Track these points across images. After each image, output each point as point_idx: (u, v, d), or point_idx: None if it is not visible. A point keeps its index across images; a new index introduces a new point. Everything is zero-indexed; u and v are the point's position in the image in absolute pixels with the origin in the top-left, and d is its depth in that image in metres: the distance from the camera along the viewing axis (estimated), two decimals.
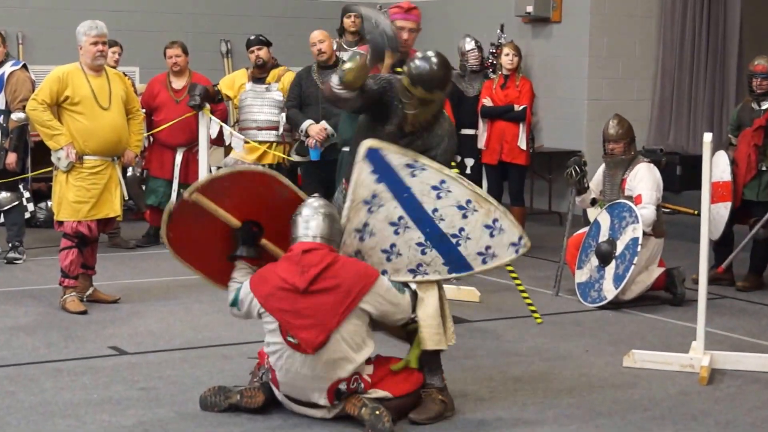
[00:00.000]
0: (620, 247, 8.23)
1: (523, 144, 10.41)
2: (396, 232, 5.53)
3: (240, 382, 6.15)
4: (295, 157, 9.57)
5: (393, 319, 5.53)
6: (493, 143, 10.45)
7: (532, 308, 6.79)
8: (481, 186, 10.27)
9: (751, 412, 5.87)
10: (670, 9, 12.43)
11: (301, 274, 5.35)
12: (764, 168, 8.77)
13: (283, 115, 9.60)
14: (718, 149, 8.96)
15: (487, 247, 5.50)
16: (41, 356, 6.73)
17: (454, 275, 5.61)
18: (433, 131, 5.70)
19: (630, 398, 6.07)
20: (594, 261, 8.40)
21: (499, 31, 12.24)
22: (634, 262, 8.08)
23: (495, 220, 5.46)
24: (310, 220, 5.49)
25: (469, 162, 10.50)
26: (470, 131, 10.43)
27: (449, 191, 5.48)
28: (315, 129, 9.12)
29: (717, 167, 8.61)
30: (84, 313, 7.74)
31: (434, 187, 5.49)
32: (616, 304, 8.18)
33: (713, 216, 8.58)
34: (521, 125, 10.40)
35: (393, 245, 5.54)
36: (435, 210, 5.50)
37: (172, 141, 10.57)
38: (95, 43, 7.80)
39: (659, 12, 12.55)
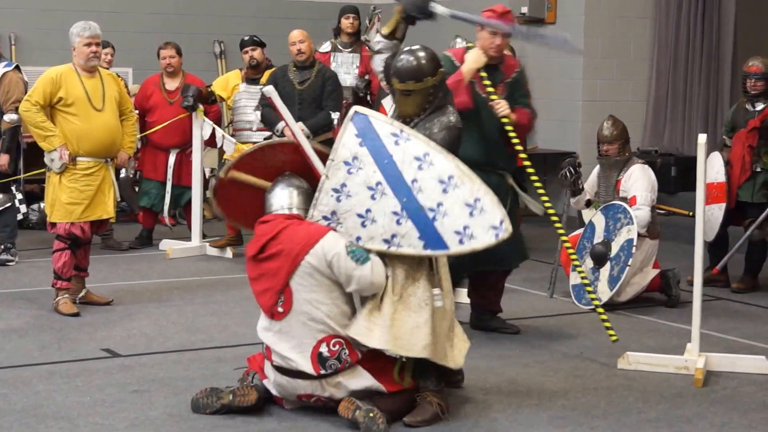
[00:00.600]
0: (615, 248, 8.22)
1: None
2: (372, 197, 5.44)
3: (234, 384, 6.12)
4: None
5: (347, 287, 5.45)
6: None
7: (608, 324, 6.79)
8: None
9: (746, 415, 5.86)
10: (665, 10, 12.43)
11: (254, 243, 5.66)
12: (759, 169, 8.77)
13: (258, 113, 9.55)
14: (713, 150, 8.95)
15: (465, 227, 5.29)
16: (34, 358, 6.70)
17: (429, 252, 5.39)
18: (430, 123, 5.74)
19: (625, 400, 6.05)
20: (588, 263, 8.39)
21: None
22: (629, 263, 8.07)
23: (476, 200, 5.29)
24: (273, 193, 5.73)
25: None
26: None
27: (432, 164, 5.37)
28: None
29: (712, 168, 8.60)
30: (76, 315, 7.72)
31: (417, 158, 5.39)
32: (610, 306, 8.15)
33: (708, 217, 8.57)
34: None
35: (368, 210, 5.45)
36: (414, 180, 5.38)
37: (165, 142, 10.55)
38: (89, 44, 7.78)
39: (654, 13, 12.55)
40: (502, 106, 6.97)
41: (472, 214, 5.30)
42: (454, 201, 5.33)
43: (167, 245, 10.37)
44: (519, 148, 7.06)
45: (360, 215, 5.47)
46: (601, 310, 6.76)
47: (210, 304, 8.27)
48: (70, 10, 12.37)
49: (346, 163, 5.50)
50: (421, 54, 5.81)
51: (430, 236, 5.37)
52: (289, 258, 5.47)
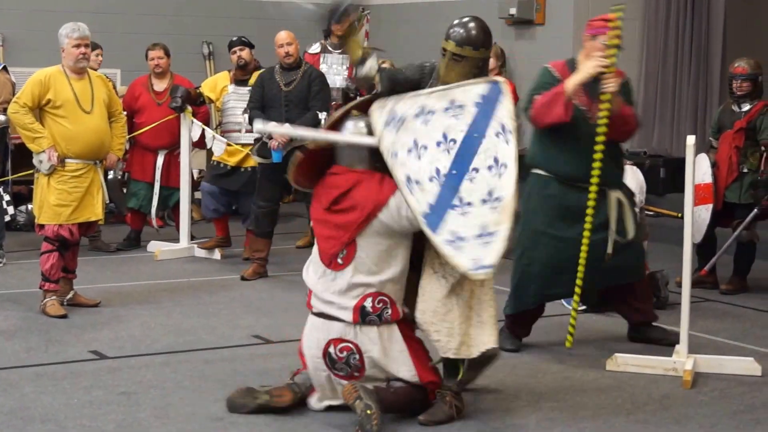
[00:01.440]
0: None
1: None
2: (438, 144, 5.46)
3: (222, 386, 6.13)
4: (256, 159, 9.50)
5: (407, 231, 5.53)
6: None
7: (571, 330, 6.70)
8: None
9: (734, 416, 5.86)
10: (654, 11, 12.43)
11: (326, 194, 5.67)
12: (745, 170, 8.79)
13: (246, 116, 9.54)
14: (701, 152, 8.95)
15: (461, 239, 5.28)
16: (21, 360, 6.68)
17: (422, 221, 5.34)
18: None
19: (613, 402, 6.05)
20: None
21: None
22: None
23: (490, 233, 5.27)
24: (342, 146, 5.71)
25: None
26: None
27: (497, 175, 5.35)
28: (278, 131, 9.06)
29: (699, 169, 8.60)
30: (64, 317, 7.69)
31: (495, 159, 5.37)
32: (600, 308, 8.14)
33: (695, 219, 8.58)
34: None
35: (425, 147, 5.45)
36: (475, 169, 5.39)
37: (153, 143, 10.53)
38: (78, 46, 7.75)
39: (643, 14, 12.55)
40: (611, 82, 6.58)
41: (479, 236, 5.29)
42: (479, 215, 5.31)
43: (155, 247, 10.35)
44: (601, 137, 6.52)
45: (415, 143, 5.47)
46: (574, 314, 6.67)
47: (198, 305, 8.25)
48: (59, 11, 12.33)
49: (455, 104, 5.51)
50: (481, 24, 5.90)
51: (436, 214, 5.35)
52: (362, 215, 5.51)
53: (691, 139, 6.49)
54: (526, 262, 6.95)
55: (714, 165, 8.79)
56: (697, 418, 5.82)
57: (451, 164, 5.42)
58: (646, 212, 8.63)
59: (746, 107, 8.90)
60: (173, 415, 5.68)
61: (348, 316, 5.56)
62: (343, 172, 5.66)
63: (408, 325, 5.69)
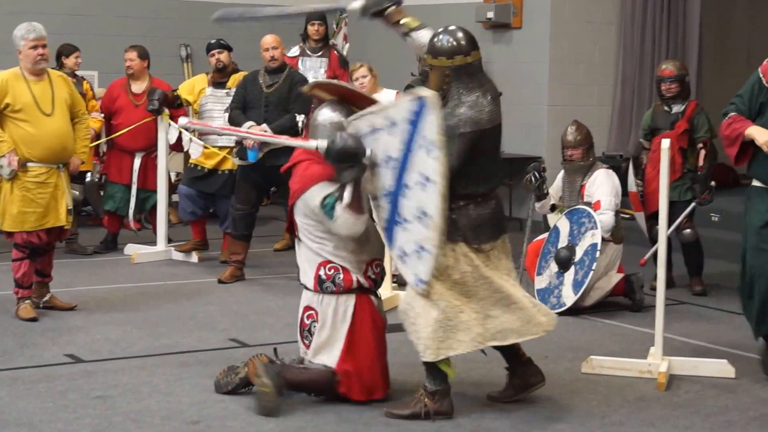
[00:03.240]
0: (579, 253, 8.25)
1: None
2: (385, 161, 5.64)
3: (199, 390, 6.13)
4: (235, 161, 9.51)
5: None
6: None
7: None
8: None
9: (708, 418, 5.89)
10: (630, 15, 12.47)
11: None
12: (686, 170, 8.90)
13: (227, 116, 9.54)
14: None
15: (404, 253, 5.59)
16: None
17: (384, 236, 5.74)
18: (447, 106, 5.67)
19: (588, 404, 6.08)
20: (553, 267, 8.41)
21: None
22: (593, 268, 8.10)
23: (423, 249, 5.48)
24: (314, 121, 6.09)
25: None
26: None
27: (426, 191, 5.43)
28: (255, 130, 9.06)
29: (630, 177, 8.77)
30: (34, 320, 7.66)
31: (422, 175, 5.43)
32: (575, 310, 8.18)
33: (640, 223, 8.74)
34: None
35: (378, 164, 5.68)
36: (407, 185, 5.52)
37: (130, 146, 10.51)
38: (35, 47, 7.63)
39: (619, 18, 12.59)
40: None
41: (416, 251, 5.53)
42: (415, 231, 5.51)
43: (132, 250, 10.33)
44: None
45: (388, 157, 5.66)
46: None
47: (175, 309, 8.23)
48: (35, 12, 12.26)
49: (391, 121, 5.60)
50: (449, 33, 5.90)
51: (389, 230, 5.67)
52: (291, 196, 5.94)
53: (666, 143, 6.53)
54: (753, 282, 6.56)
55: (643, 169, 8.87)
56: (672, 420, 5.84)
57: (394, 182, 5.60)
58: (622, 215, 8.66)
59: (677, 108, 9.00)
60: (149, 419, 5.68)
61: (311, 283, 5.90)
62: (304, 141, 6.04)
63: (370, 308, 5.87)
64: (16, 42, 7.70)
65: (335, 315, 5.86)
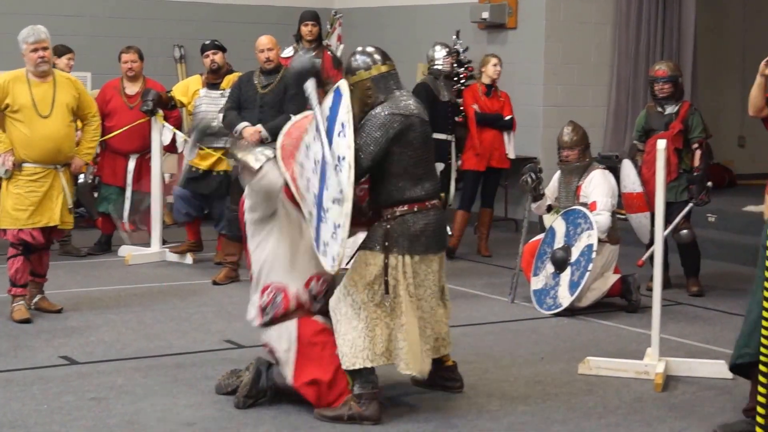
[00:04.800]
0: (575, 253, 8.23)
1: (511, 153, 10.84)
2: (313, 170, 5.67)
3: (193, 391, 6.11)
4: (231, 162, 9.49)
5: (261, 199, 5.88)
6: (483, 151, 10.59)
7: None
8: (448, 191, 10.35)
9: (705, 419, 5.87)
10: (625, 16, 12.47)
11: None
12: (682, 170, 8.89)
13: (221, 116, 9.53)
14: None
15: (325, 244, 5.55)
16: None
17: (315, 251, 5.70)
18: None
19: (585, 405, 6.06)
20: (549, 268, 8.40)
21: (454, 37, 12.23)
22: (589, 268, 8.08)
23: (337, 227, 5.43)
24: None
25: (439, 167, 10.43)
26: (441, 136, 10.38)
27: (340, 170, 5.43)
28: (249, 131, 9.03)
29: (628, 178, 8.73)
30: (28, 321, 7.64)
31: (336, 164, 5.46)
32: (571, 311, 8.17)
33: (636, 225, 8.71)
34: (506, 134, 10.78)
35: (308, 179, 5.72)
36: (328, 176, 5.51)
37: (124, 147, 10.48)
38: (35, 50, 7.68)
39: (614, 19, 12.59)
40: None
41: (332, 234, 5.48)
42: (331, 215, 5.49)
43: (126, 251, 10.30)
44: None
45: (307, 179, 5.74)
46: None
47: (169, 310, 8.21)
48: (27, 13, 12.24)
49: (315, 126, 5.63)
50: (362, 51, 5.95)
51: (317, 235, 5.64)
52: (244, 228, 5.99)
53: (662, 144, 6.52)
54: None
55: (640, 170, 8.85)
56: (669, 421, 5.83)
57: (319, 183, 5.60)
58: (618, 216, 8.65)
59: (671, 109, 9.00)
60: (144, 421, 5.66)
61: (255, 314, 5.94)
62: None
63: (311, 325, 5.82)
64: (20, 45, 7.77)
65: (281, 340, 5.84)
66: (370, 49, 5.94)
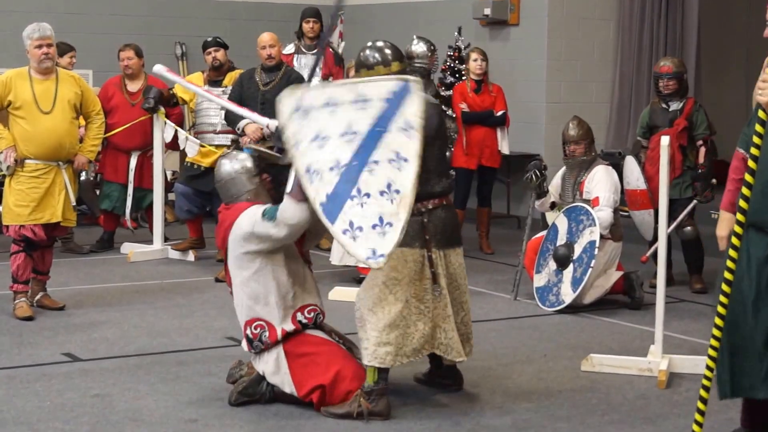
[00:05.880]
0: (578, 250, 8.23)
1: (505, 149, 10.73)
2: (342, 135, 5.45)
3: (196, 388, 6.12)
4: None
5: (277, 242, 5.75)
6: (473, 149, 10.55)
7: None
8: None
9: (709, 416, 5.81)
10: (628, 11, 12.46)
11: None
12: (686, 167, 8.88)
13: (223, 113, 9.52)
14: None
15: (358, 228, 5.25)
16: None
17: (319, 209, 5.32)
18: None
19: (588, 402, 6.05)
20: (552, 265, 8.39)
21: (456, 34, 12.22)
22: (592, 265, 8.07)
23: (388, 223, 5.26)
24: None
25: None
26: None
27: (399, 169, 5.33)
28: (251, 128, 9.02)
29: (631, 175, 8.72)
30: (30, 318, 7.64)
31: (397, 153, 5.37)
32: (574, 308, 8.16)
33: (639, 222, 8.70)
34: (499, 130, 10.67)
35: (326, 138, 5.44)
36: (376, 162, 5.35)
37: (126, 144, 10.47)
38: (39, 46, 7.71)
39: (617, 15, 12.58)
40: None
41: (374, 226, 5.26)
42: (376, 206, 5.28)
43: (128, 248, 10.30)
44: None
45: (317, 136, 5.47)
46: None
47: (171, 307, 8.21)
48: (28, 11, 12.24)
49: (363, 97, 5.52)
50: (373, 46, 5.96)
51: (334, 203, 5.31)
52: (222, 236, 5.92)
53: (665, 140, 6.51)
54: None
55: (643, 167, 8.83)
56: (672, 418, 5.82)
57: (352, 155, 5.39)
58: (621, 213, 8.64)
59: (675, 105, 8.98)
60: (147, 418, 5.65)
61: (245, 345, 5.92)
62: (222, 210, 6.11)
63: (295, 343, 5.80)
64: (24, 41, 7.79)
65: (269, 365, 5.82)
66: (380, 44, 5.96)
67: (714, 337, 4.84)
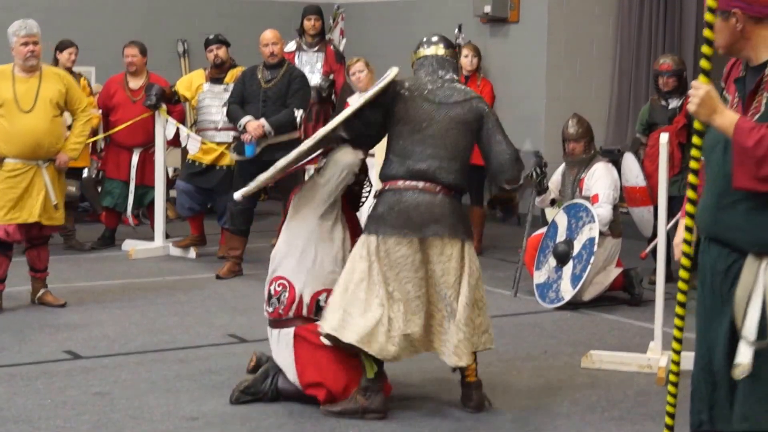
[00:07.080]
0: (577, 247, 8.24)
1: None
2: None
3: (197, 386, 6.12)
4: (233, 156, 9.50)
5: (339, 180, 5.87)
6: None
7: None
8: None
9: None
10: (627, 8, 12.46)
11: None
12: (685, 165, 8.89)
13: (224, 110, 9.54)
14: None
15: None
16: None
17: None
18: None
19: (588, 399, 6.07)
20: (552, 262, 8.40)
21: (457, 31, 12.22)
22: (591, 262, 8.09)
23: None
24: None
25: None
26: None
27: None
28: (253, 125, 9.04)
29: (630, 172, 8.72)
30: None
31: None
32: (574, 305, 8.18)
33: (638, 219, 8.70)
34: None
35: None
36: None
37: (128, 142, 10.48)
38: (25, 44, 7.66)
39: (616, 12, 12.58)
40: None
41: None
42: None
43: (130, 245, 10.31)
44: None
45: None
46: None
47: (173, 304, 8.22)
48: (31, 9, 12.23)
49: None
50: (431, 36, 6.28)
51: None
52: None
53: (664, 137, 6.52)
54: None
55: (642, 164, 8.83)
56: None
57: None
58: (621, 210, 8.66)
59: (674, 103, 8.99)
60: (148, 415, 5.66)
61: (264, 306, 5.93)
62: None
63: (308, 330, 5.72)
64: (9, 38, 7.74)
65: (279, 345, 5.82)
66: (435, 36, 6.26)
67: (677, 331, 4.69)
